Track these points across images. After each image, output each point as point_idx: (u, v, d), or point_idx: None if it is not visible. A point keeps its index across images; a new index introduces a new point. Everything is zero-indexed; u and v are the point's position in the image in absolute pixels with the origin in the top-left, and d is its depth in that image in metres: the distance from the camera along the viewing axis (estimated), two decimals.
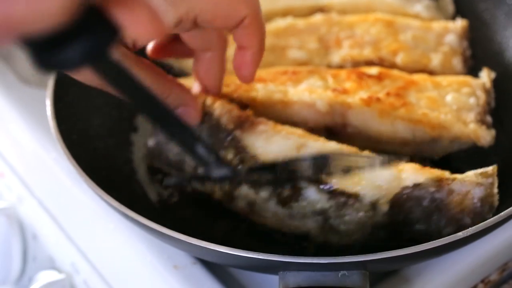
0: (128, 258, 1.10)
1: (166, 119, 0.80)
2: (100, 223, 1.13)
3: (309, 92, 1.11)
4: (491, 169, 1.00)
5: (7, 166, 1.27)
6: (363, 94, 1.10)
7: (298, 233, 1.03)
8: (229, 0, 0.93)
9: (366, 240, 1.01)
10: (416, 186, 0.97)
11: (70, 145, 1.06)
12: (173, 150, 1.07)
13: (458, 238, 0.91)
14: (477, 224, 0.95)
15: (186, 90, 1.01)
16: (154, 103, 0.77)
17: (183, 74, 1.25)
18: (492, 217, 0.95)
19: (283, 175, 0.98)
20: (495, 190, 0.99)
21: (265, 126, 1.04)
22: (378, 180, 0.97)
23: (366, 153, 1.01)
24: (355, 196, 0.97)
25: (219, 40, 1.01)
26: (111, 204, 0.98)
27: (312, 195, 0.99)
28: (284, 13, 1.33)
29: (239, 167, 1.00)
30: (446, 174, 0.99)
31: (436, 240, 0.90)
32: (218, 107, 1.04)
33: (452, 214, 0.98)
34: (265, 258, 0.89)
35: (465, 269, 1.07)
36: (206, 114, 1.04)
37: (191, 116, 1.00)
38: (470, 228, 0.92)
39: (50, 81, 1.15)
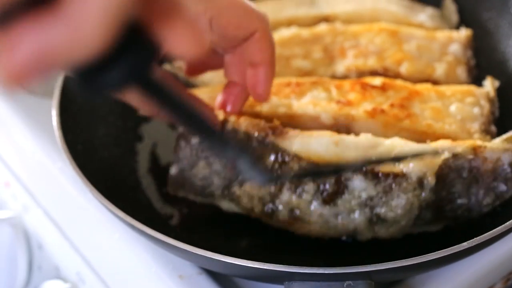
0: (133, 268, 1.10)
1: (208, 132, 0.79)
2: (105, 233, 1.14)
3: (313, 105, 1.11)
4: None
5: (12, 175, 1.27)
6: (367, 106, 1.11)
7: (345, 234, 1.03)
8: (244, 11, 0.93)
9: (413, 227, 1.03)
10: (455, 156, 1.00)
11: (75, 155, 1.07)
12: (199, 174, 1.06)
13: (463, 248, 0.92)
14: None
15: (202, 103, 1.00)
16: (195, 117, 0.76)
17: (188, 84, 1.25)
18: None
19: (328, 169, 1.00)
20: None
21: (295, 132, 1.04)
22: (421, 156, 0.99)
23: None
24: (402, 175, 0.98)
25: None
26: (116, 214, 0.98)
27: (358, 185, 1.00)
28: (289, 23, 1.33)
29: (282, 169, 1.01)
30: (478, 141, 1.02)
31: (441, 250, 0.91)
32: (244, 122, 1.05)
33: (488, 183, 1.01)
34: (270, 268, 0.90)
35: (469, 278, 1.07)
36: (232, 131, 1.04)
37: None
38: (475, 238, 0.92)
39: (56, 91, 1.15)
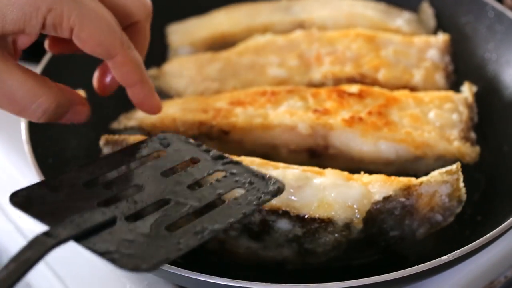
0: (107, 286, 1.07)
1: None
2: (77, 248, 1.10)
3: (289, 115, 1.09)
4: (455, 166, 0.99)
5: None
6: (345, 114, 1.09)
7: (274, 261, 1.01)
8: (108, 29, 0.89)
9: (345, 254, 1.00)
10: (386, 199, 0.97)
11: (45, 169, 1.03)
12: None
13: (443, 262, 0.90)
14: (448, 219, 0.99)
15: (71, 90, 0.94)
16: None
17: (161, 95, 1.23)
18: (460, 208, 0.99)
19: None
20: (461, 184, 0.98)
21: None
22: (349, 201, 0.96)
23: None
24: (328, 221, 0.96)
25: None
26: None
27: (284, 226, 0.97)
28: (264, 29, 1.31)
29: None
30: (413, 180, 0.99)
31: (421, 265, 0.89)
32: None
33: (423, 214, 0.98)
34: (247, 286, 0.87)
35: None
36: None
37: (82, 114, 0.94)
38: (455, 252, 0.90)
39: None
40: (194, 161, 0.93)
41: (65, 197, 0.83)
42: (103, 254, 0.76)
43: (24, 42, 0.90)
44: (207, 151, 0.94)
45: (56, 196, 0.83)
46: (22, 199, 0.82)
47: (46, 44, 0.98)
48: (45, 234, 0.76)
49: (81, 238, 0.77)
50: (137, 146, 0.95)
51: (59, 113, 0.89)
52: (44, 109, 0.87)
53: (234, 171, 0.91)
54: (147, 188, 0.86)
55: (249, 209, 0.85)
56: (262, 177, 0.89)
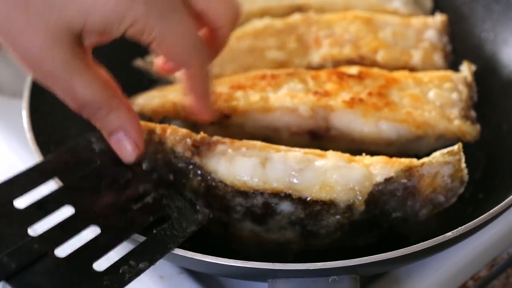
0: None
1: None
2: (82, 233, 1.11)
3: (290, 97, 1.09)
4: (456, 147, 0.99)
5: None
6: (345, 96, 1.09)
7: (278, 243, 1.01)
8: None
9: (347, 236, 1.00)
10: (388, 180, 0.97)
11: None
12: None
13: (447, 238, 0.90)
14: (450, 200, 0.99)
15: (132, 111, 0.93)
16: None
17: (161, 80, 1.23)
18: (463, 189, 0.99)
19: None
20: (463, 165, 0.99)
21: (223, 145, 1.00)
22: (351, 182, 0.96)
23: None
24: (330, 203, 0.96)
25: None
26: None
27: (286, 208, 0.97)
28: (262, 14, 1.31)
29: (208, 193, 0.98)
30: (414, 161, 0.99)
31: (426, 242, 0.89)
32: (170, 136, 1.00)
33: (425, 195, 0.99)
34: (254, 266, 0.88)
35: (454, 267, 1.06)
36: (158, 143, 1.00)
37: (128, 148, 0.92)
38: (459, 228, 0.91)
39: (26, 91, 1.12)
40: (125, 178, 0.92)
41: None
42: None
43: (96, 41, 0.88)
44: (141, 167, 0.94)
45: None
46: None
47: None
48: None
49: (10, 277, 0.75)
50: (68, 154, 0.93)
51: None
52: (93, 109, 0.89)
53: (164, 193, 0.91)
54: (77, 211, 0.85)
55: (175, 242, 0.86)
56: (191, 204, 0.91)
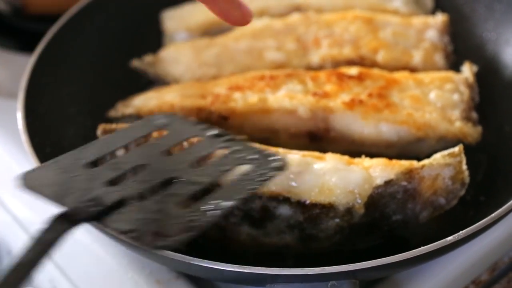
0: (108, 274, 1.06)
1: None
2: (79, 239, 1.09)
3: (289, 98, 1.08)
4: (457, 149, 0.98)
5: None
6: (345, 97, 1.07)
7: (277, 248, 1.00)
8: None
9: (347, 239, 0.99)
10: (388, 182, 0.96)
11: (43, 159, 1.02)
12: None
13: (448, 242, 0.89)
14: (451, 202, 0.98)
15: None
16: None
17: (159, 81, 1.22)
18: (464, 191, 0.98)
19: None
20: (464, 167, 0.98)
21: None
22: (350, 185, 0.95)
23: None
24: (329, 206, 0.95)
25: None
26: None
27: (285, 212, 0.96)
28: (260, 13, 1.29)
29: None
30: (415, 163, 0.98)
31: (426, 246, 0.88)
32: None
33: (426, 198, 0.98)
34: (252, 271, 0.87)
35: (455, 271, 1.05)
36: None
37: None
38: (460, 232, 0.89)
39: (21, 92, 1.11)
40: (194, 140, 0.92)
41: (73, 179, 0.83)
42: (125, 233, 0.76)
43: None
44: (207, 129, 0.93)
45: (64, 178, 0.83)
46: (33, 182, 0.82)
47: None
48: (63, 215, 0.76)
49: (97, 218, 0.78)
50: (135, 126, 0.95)
51: None
52: None
53: (236, 148, 0.90)
54: (150, 168, 0.86)
55: (255, 185, 0.84)
56: (264, 154, 0.88)
